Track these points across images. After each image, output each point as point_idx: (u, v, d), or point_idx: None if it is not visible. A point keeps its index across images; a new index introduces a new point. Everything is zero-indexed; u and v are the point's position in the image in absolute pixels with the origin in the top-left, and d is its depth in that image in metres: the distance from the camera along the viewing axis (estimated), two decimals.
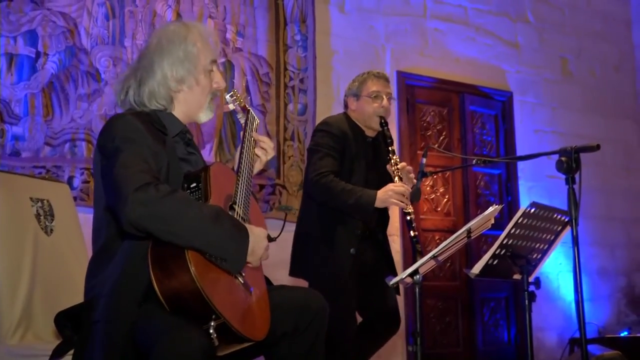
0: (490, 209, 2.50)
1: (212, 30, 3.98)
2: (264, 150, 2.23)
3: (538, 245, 2.59)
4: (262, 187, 4.27)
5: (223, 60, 4.22)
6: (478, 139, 5.47)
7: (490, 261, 2.52)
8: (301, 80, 4.52)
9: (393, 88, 4.73)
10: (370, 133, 3.27)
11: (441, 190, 5.24)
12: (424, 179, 2.98)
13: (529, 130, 5.69)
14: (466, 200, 5.31)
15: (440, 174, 5.17)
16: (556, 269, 5.58)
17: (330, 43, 4.74)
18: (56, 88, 3.71)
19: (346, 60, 4.76)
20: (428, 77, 5.20)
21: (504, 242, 2.48)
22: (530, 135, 5.68)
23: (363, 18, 4.95)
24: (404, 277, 2.42)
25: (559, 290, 5.60)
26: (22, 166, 3.54)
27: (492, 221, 2.60)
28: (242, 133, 2.23)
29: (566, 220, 2.56)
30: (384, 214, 3.25)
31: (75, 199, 3.28)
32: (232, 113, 2.39)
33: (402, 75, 5.05)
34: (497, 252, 2.50)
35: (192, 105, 2.14)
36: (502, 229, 2.50)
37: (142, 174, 1.79)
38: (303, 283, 3.19)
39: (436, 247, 2.46)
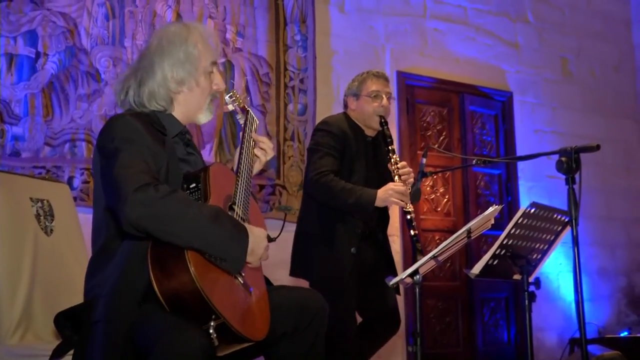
0: (490, 209, 2.50)
1: (212, 31, 3.98)
2: (264, 150, 2.23)
3: (538, 245, 2.59)
4: (262, 187, 4.27)
5: (223, 60, 4.22)
6: (478, 139, 5.47)
7: (490, 261, 2.52)
8: (301, 81, 4.52)
9: (393, 88, 4.74)
10: (370, 132, 3.27)
11: (441, 190, 5.24)
12: (424, 179, 2.98)
13: (529, 130, 5.69)
14: (466, 201, 5.30)
15: (440, 174, 5.16)
16: (556, 269, 5.58)
17: (330, 43, 4.74)
18: (56, 88, 3.71)
19: (346, 60, 4.76)
20: (428, 77, 5.20)
21: (504, 242, 2.48)
22: (530, 136, 5.68)
23: (363, 18, 4.95)
24: (404, 277, 2.42)
25: (559, 290, 5.60)
26: (22, 166, 3.54)
27: (492, 221, 2.61)
28: (241, 133, 2.23)
29: (566, 220, 2.56)
30: (384, 213, 3.25)
31: (75, 199, 3.28)
32: (232, 113, 2.39)
33: (402, 75, 5.05)
34: (497, 252, 2.50)
35: (191, 106, 2.14)
36: (502, 229, 2.50)
37: (142, 174, 1.80)
38: (303, 283, 3.19)
39: (436, 247, 2.46)
